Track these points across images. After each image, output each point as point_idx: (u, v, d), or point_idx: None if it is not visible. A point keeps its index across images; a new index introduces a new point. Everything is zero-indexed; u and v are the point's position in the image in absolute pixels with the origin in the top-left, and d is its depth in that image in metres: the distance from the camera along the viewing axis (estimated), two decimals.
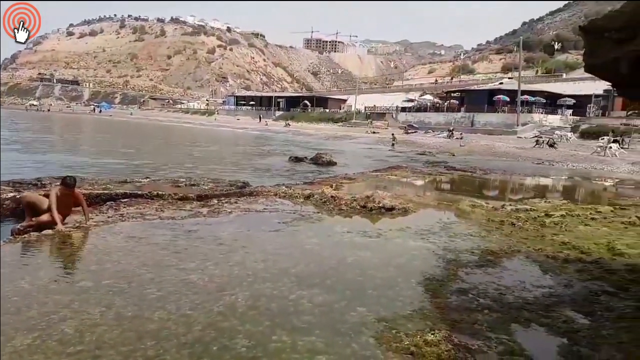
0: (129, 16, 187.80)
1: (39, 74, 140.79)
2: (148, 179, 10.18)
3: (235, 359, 2.98)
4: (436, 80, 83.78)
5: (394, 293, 4.31)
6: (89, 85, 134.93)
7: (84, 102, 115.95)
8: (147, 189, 8.71)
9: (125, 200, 7.85)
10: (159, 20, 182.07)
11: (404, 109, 56.11)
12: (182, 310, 3.65)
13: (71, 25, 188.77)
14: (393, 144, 31.37)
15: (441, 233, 6.79)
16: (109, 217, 6.68)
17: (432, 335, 3.42)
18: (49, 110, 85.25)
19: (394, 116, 54.91)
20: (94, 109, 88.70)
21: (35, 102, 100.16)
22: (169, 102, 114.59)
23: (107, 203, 7.59)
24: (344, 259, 5.29)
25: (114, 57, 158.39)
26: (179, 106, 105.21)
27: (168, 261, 4.86)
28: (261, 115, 66.10)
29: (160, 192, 8.52)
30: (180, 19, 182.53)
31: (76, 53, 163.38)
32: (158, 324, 3.40)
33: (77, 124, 51.73)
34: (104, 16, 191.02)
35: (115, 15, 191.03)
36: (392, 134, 34.70)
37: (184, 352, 3.03)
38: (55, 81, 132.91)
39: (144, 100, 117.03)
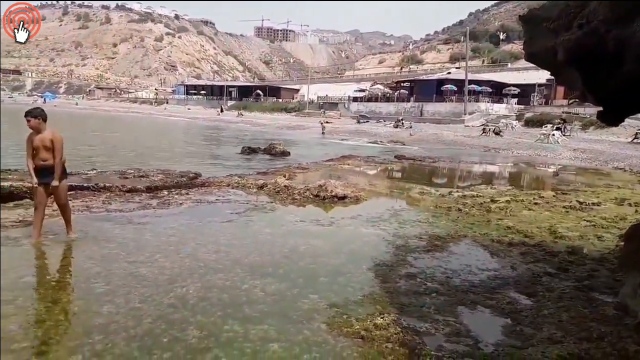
0: (72, 2, 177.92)
1: None
2: (95, 171, 9.80)
3: (186, 350, 2.98)
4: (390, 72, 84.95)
5: (345, 279, 4.41)
6: (32, 75, 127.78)
7: (26, 92, 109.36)
8: (94, 181, 8.41)
9: (71, 192, 7.52)
10: (103, 7, 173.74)
11: (355, 99, 56.63)
12: (132, 304, 3.59)
13: None
14: (323, 133, 33.06)
15: (391, 220, 6.99)
16: (53, 210, 6.39)
17: (382, 319, 3.54)
18: None
19: (346, 106, 55.29)
20: (38, 100, 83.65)
21: None
22: (116, 91, 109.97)
23: (51, 196, 7.24)
24: (297, 247, 5.35)
25: (57, 45, 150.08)
26: (127, 96, 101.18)
27: (116, 255, 4.74)
28: (222, 106, 63.82)
29: (107, 184, 8.25)
30: (126, 5, 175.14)
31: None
32: (106, 318, 3.33)
33: (18, 115, 48.62)
34: (46, 3, 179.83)
35: (57, 1, 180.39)
36: (321, 122, 36.43)
37: (134, 345, 3.00)
38: None
39: (89, 90, 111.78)
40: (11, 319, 3.21)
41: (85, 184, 8.15)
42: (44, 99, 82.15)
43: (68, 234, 5.27)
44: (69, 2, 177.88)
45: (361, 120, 44.30)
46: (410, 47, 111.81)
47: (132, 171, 9.92)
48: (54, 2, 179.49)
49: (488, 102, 44.93)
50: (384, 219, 7.06)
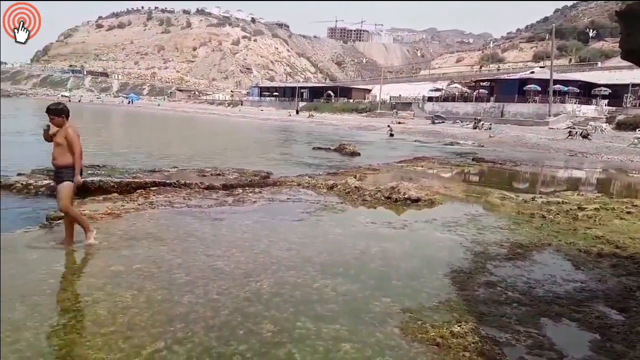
0: (155, 8, 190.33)
1: (70, 65, 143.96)
2: (176, 168, 10.37)
3: (261, 344, 3.02)
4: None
5: (419, 284, 4.27)
6: (118, 77, 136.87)
7: (113, 94, 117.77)
8: (175, 178, 8.89)
9: (155, 188, 8.03)
10: (184, 12, 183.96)
11: (430, 99, 55.10)
12: (210, 295, 3.72)
13: (100, 17, 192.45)
14: (391, 134, 31.31)
15: (469, 225, 6.70)
16: (139, 204, 6.84)
17: (459, 327, 3.39)
18: (79, 101, 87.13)
19: (420, 106, 54.07)
20: (123, 101, 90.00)
21: (66, 94, 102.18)
22: (194, 93, 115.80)
23: (137, 191, 7.78)
24: (368, 249, 5.27)
25: (142, 49, 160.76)
26: (205, 97, 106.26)
27: (195, 248, 4.95)
28: (298, 108, 64.90)
29: (187, 182, 8.69)
30: (206, 10, 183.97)
31: (105, 45, 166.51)
32: (187, 308, 3.48)
33: (107, 115, 52.93)
34: (132, 8, 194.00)
35: (142, 7, 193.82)
36: (388, 125, 34.62)
37: (212, 335, 3.10)
38: (85, 73, 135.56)
39: (171, 92, 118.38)
40: (101, 305, 3.44)
41: (167, 181, 8.64)
42: (130, 100, 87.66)
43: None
44: (152, 8, 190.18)
45: (436, 121, 43.11)
46: (491, 45, 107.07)
47: (210, 169, 10.38)
48: (139, 8, 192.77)
49: (575, 103, 42.01)
50: (460, 223, 6.78)
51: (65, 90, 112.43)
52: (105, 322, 3.19)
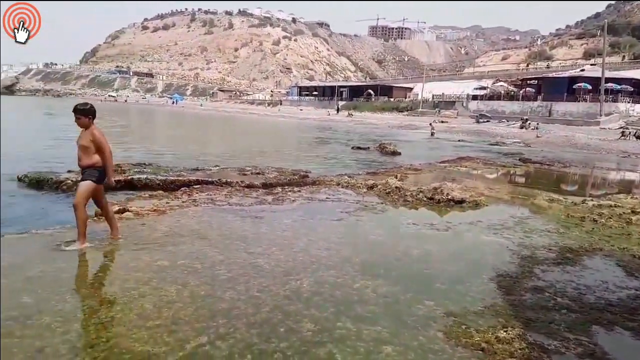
0: (199, 10, 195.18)
1: (117, 66, 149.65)
2: (217, 167, 10.57)
3: (301, 342, 3.02)
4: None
5: (463, 288, 4.16)
6: (162, 78, 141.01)
7: (158, 94, 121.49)
8: (216, 177, 9.06)
9: (197, 186, 8.22)
10: (227, 13, 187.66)
11: (475, 97, 53.66)
12: (251, 292, 3.76)
13: (145, 19, 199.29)
14: (432, 133, 30.54)
15: (516, 228, 6.47)
16: (182, 202, 7.03)
17: (505, 333, 3.27)
18: (125, 101, 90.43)
19: (464, 104, 52.76)
20: (168, 101, 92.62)
21: (113, 94, 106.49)
22: (235, 93, 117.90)
23: (181, 189, 7.99)
24: (410, 251, 5.18)
25: (185, 50, 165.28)
26: (245, 97, 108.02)
27: (237, 245, 5.02)
28: (338, 106, 64.89)
29: (228, 180, 8.84)
30: (248, 11, 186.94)
31: (150, 46, 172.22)
32: (229, 304, 3.53)
33: (153, 115, 54.75)
34: (176, 10, 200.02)
35: (186, 9, 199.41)
36: (430, 124, 33.66)
37: (253, 331, 3.12)
38: (131, 74, 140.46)
39: (213, 92, 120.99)
40: (147, 298, 3.53)
41: (209, 179, 8.82)
42: (174, 101, 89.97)
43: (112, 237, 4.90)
44: (196, 9, 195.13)
45: (481, 120, 42.01)
46: (538, 42, 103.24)
47: (250, 168, 10.52)
48: (183, 10, 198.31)
49: (628, 102, 39.84)
50: (507, 226, 6.55)
51: (112, 91, 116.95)
52: (151, 315, 3.27)
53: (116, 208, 6.17)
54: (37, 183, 8.28)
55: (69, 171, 8.67)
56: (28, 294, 3.54)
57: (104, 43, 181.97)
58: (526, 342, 3.18)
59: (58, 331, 3.00)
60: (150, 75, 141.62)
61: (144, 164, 10.31)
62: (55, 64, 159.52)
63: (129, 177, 8.46)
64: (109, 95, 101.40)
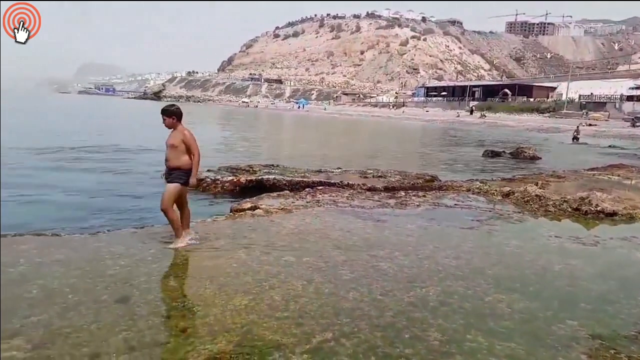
0: (327, 15, 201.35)
1: (250, 74, 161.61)
2: (339, 169, 10.75)
3: (428, 350, 2.90)
4: None
5: (613, 309, 3.68)
6: (290, 84, 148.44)
7: (285, 99, 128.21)
8: (338, 179, 9.22)
9: (321, 187, 8.45)
10: (354, 16, 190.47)
11: (630, 98, 47.30)
12: (374, 295, 3.73)
13: (277, 27, 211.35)
14: (577, 138, 27.26)
15: None
16: (307, 202, 7.27)
17: None
18: (256, 106, 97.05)
19: (617, 106, 46.78)
20: (294, 105, 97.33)
21: (246, 100, 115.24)
22: (359, 96, 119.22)
23: (306, 189, 8.28)
24: (551, 265, 4.70)
25: (313, 55, 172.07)
26: (368, 100, 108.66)
27: (359, 247, 5.03)
28: (472, 107, 61.71)
29: (350, 182, 8.93)
30: (376, 13, 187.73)
31: (280, 54, 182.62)
32: (352, 304, 3.54)
33: (280, 119, 58.07)
34: (306, 17, 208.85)
35: (315, 15, 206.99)
36: (577, 127, 29.79)
37: (377, 334, 3.08)
38: (262, 80, 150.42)
39: (336, 96, 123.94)
40: (276, 290, 3.71)
41: (331, 181, 9.01)
42: (300, 105, 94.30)
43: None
44: (324, 15, 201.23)
45: (637, 123, 36.77)
46: None
47: (372, 171, 10.50)
48: (312, 17, 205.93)
49: None
50: None
51: (246, 97, 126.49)
52: (280, 307, 3.42)
53: (248, 205, 6.67)
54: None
55: (209, 170, 9.52)
56: (174, 279, 4.06)
57: (239, 52, 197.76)
58: None
59: (199, 314, 3.28)
60: (280, 81, 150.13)
61: (272, 165, 10.92)
62: (196, 72, 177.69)
63: (259, 177, 9.04)
64: (242, 101, 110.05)
